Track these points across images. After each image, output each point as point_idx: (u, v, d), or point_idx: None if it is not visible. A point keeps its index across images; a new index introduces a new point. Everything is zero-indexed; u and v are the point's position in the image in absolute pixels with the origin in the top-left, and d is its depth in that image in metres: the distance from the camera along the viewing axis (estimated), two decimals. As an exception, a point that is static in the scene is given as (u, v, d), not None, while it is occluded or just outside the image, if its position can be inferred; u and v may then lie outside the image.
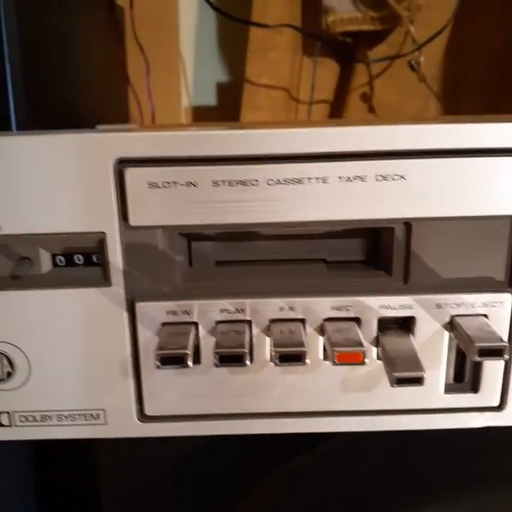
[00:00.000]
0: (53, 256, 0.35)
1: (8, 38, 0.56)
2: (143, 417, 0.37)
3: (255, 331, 0.35)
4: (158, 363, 0.32)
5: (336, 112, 0.94)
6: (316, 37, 0.87)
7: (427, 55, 0.87)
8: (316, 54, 0.90)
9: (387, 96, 0.94)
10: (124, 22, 0.90)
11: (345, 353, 0.32)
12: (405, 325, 0.35)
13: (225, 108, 1.04)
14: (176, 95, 1.00)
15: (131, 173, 0.32)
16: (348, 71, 0.94)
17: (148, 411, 0.37)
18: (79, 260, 0.35)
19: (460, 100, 0.92)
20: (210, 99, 1.02)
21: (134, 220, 0.33)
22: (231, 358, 0.32)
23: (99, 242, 0.34)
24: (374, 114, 0.94)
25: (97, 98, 0.80)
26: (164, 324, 0.35)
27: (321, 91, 0.93)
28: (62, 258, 0.35)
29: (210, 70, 1.00)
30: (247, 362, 0.32)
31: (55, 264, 0.35)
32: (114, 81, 0.89)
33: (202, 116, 1.00)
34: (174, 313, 0.35)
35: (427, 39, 0.84)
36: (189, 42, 0.98)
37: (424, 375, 0.32)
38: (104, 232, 0.34)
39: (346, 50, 0.91)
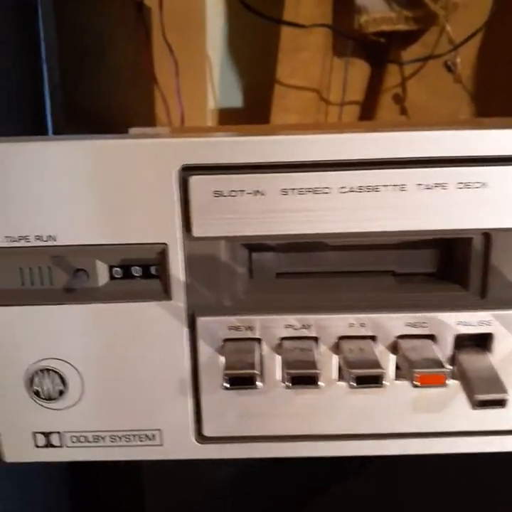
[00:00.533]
0: (110, 268, 0.33)
1: (45, 38, 0.54)
2: (201, 437, 0.35)
3: (322, 348, 0.33)
4: (226, 383, 0.30)
5: (367, 114, 0.92)
6: (349, 36, 0.85)
7: (462, 55, 0.85)
8: (348, 54, 0.88)
9: (420, 97, 0.92)
10: (151, 22, 0.88)
11: (427, 375, 0.29)
12: (482, 342, 0.33)
13: (252, 110, 1.03)
14: (203, 97, 0.98)
15: (196, 182, 0.30)
16: (380, 71, 0.92)
17: (207, 431, 0.35)
18: (137, 272, 0.33)
19: (492, 102, 0.90)
20: (236, 101, 1.00)
21: (197, 231, 0.31)
22: (303, 379, 0.30)
23: (160, 254, 0.32)
24: (406, 115, 0.92)
25: (127, 100, 0.78)
26: (226, 340, 0.33)
27: (352, 92, 0.91)
28: (119, 270, 0.33)
29: (237, 71, 0.98)
30: (321, 383, 0.30)
31: (112, 277, 0.33)
32: (142, 82, 0.87)
33: (228, 118, 0.98)
34: (237, 328, 0.33)
35: (464, 39, 0.82)
36: (216, 42, 0.96)
37: (508, 398, 0.30)
38: (165, 244, 0.32)
39: (379, 51, 0.89)
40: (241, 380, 0.30)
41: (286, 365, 0.31)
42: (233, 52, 0.98)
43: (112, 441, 0.35)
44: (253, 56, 0.97)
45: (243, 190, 0.30)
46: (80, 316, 0.33)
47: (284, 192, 0.30)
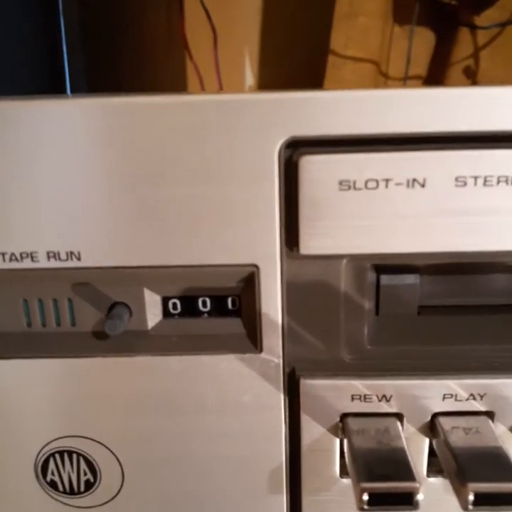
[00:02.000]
0: (165, 300, 0.21)
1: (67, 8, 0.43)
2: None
3: (500, 428, 0.21)
4: (364, 505, 0.18)
5: (432, 89, 0.79)
6: (415, -1, 0.72)
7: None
8: (412, 20, 0.75)
9: (494, 70, 0.78)
10: (184, -14, 0.76)
11: None
12: None
13: (298, 87, 0.90)
14: (241, 71, 0.85)
15: (310, 165, 0.18)
16: (449, 40, 0.78)
17: (308, 544, 0.23)
18: (206, 307, 0.21)
19: None
20: (278, 75, 0.87)
21: (307, 246, 0.19)
22: (500, 498, 0.18)
23: (245, 281, 0.20)
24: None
25: (156, 74, 0.67)
26: (348, 416, 0.21)
27: (415, 64, 0.78)
28: (178, 303, 0.21)
29: (280, 41, 0.85)
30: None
31: (166, 314, 0.21)
32: (174, 54, 0.75)
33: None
34: (365, 398, 0.21)
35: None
36: (256, 8, 0.83)
37: None
38: (254, 265, 0.20)
39: (447, 15, 0.76)
40: (388, 498, 0.18)
41: (458, 462, 0.19)
42: (277, 19, 0.85)
43: (164, 554, 0.24)
44: (301, 23, 0.83)
45: (389, 179, 0.18)
46: (119, 374, 0.21)
47: (461, 181, 0.18)
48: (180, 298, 0.21)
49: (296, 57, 0.85)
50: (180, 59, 0.78)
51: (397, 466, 0.19)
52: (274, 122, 0.18)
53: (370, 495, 0.18)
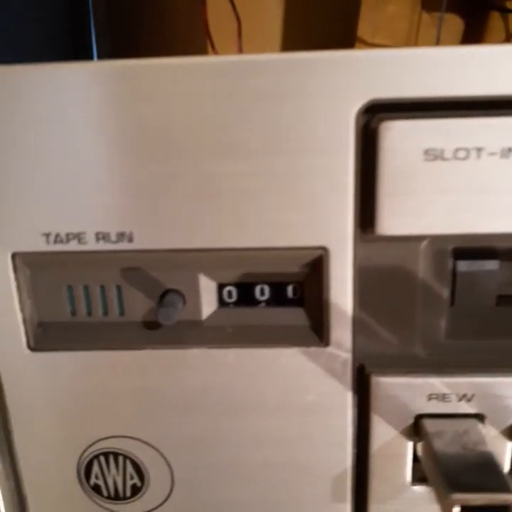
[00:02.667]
0: (220, 287, 0.19)
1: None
2: None
3: None
4: (454, 515, 0.16)
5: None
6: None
7: None
8: (443, 7, 0.72)
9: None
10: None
11: None
12: None
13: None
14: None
15: (391, 132, 0.16)
16: (478, 27, 0.76)
17: (374, 557, 0.21)
18: (264, 295, 0.19)
19: None
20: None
21: (386, 225, 0.17)
22: None
23: (311, 266, 0.18)
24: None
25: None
26: (424, 417, 0.19)
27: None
28: (234, 291, 0.19)
29: (307, 29, 0.83)
30: None
31: (222, 303, 0.19)
32: (195, 40, 0.73)
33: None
34: (443, 397, 0.19)
35: None
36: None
37: None
38: (323, 248, 0.18)
39: (477, 1, 0.73)
40: (480, 510, 0.16)
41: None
42: (302, 8, 0.83)
43: None
44: (327, 12, 0.81)
45: (482, 148, 0.16)
46: (169, 369, 0.19)
47: None
48: (236, 285, 0.19)
49: (323, 46, 0.82)
50: (202, 48, 0.76)
51: (488, 474, 0.17)
52: (350, 84, 0.16)
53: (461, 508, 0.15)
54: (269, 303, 0.20)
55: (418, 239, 0.18)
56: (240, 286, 0.19)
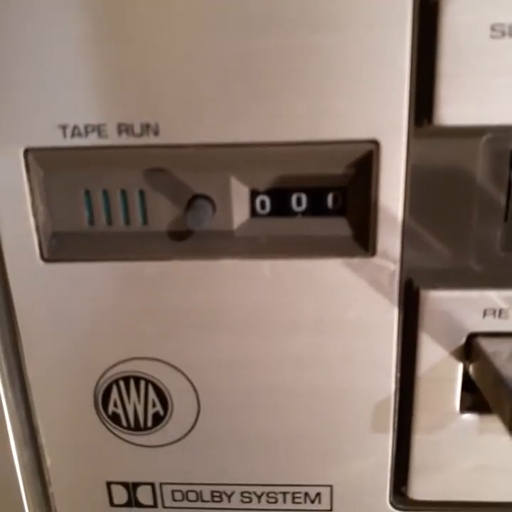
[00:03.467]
0: (253, 196, 0.17)
1: None
2: (401, 501, 0.20)
3: None
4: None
5: None
6: None
7: None
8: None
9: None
10: None
11: None
12: None
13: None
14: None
15: (453, 4, 0.14)
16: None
17: (415, 492, 0.19)
18: (300, 205, 0.17)
19: None
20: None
21: (445, 113, 0.15)
22: None
23: (357, 165, 0.16)
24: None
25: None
26: (478, 336, 0.17)
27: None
28: (267, 201, 0.17)
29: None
30: None
31: (254, 212, 0.18)
32: None
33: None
34: (500, 313, 0.17)
35: None
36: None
37: None
38: (374, 142, 0.16)
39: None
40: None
41: None
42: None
43: (243, 503, 0.20)
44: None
45: (560, 20, 0.14)
46: (198, 282, 0.18)
47: None
48: (270, 194, 0.17)
49: None
50: None
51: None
52: None
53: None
54: (312, 211, 0.18)
55: (478, 133, 0.16)
56: (274, 196, 0.17)
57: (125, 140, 0.16)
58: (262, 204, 0.18)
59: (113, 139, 0.16)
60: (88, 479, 0.21)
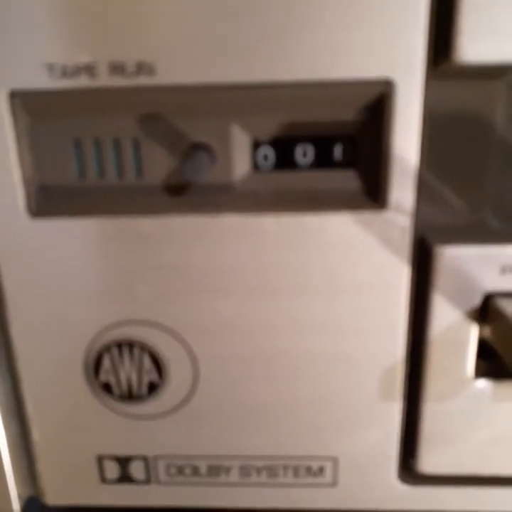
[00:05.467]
0: (256, 144, 0.16)
1: None
2: (409, 475, 0.19)
3: None
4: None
5: None
6: None
7: None
8: None
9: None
10: None
11: None
12: None
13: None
14: None
15: None
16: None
17: (424, 465, 0.18)
18: (308, 156, 0.16)
19: None
20: None
21: (465, 49, 0.14)
22: None
23: (369, 109, 0.15)
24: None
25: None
26: (497, 297, 0.16)
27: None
28: (270, 153, 0.16)
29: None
30: None
31: (256, 165, 0.16)
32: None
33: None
34: (519, 271, 0.16)
35: None
36: None
37: None
38: (388, 82, 0.15)
39: None
40: None
41: None
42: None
43: (242, 477, 0.19)
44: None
45: None
46: (196, 239, 0.16)
47: None
48: (273, 145, 0.16)
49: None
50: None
51: None
52: None
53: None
54: (318, 163, 0.16)
55: (499, 73, 0.15)
56: (278, 147, 0.16)
57: (118, 81, 0.15)
58: (265, 158, 0.16)
59: (104, 79, 0.15)
60: (78, 453, 0.19)
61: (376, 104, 0.15)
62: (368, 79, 0.15)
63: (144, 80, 0.15)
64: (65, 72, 0.15)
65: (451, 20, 0.14)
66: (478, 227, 0.16)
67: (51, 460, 0.20)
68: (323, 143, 0.16)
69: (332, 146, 0.16)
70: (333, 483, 0.19)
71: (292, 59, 0.15)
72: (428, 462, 0.18)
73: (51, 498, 0.20)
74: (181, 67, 0.15)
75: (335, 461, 0.19)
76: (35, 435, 0.19)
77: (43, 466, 0.20)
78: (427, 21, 0.14)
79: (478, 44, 0.14)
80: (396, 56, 0.14)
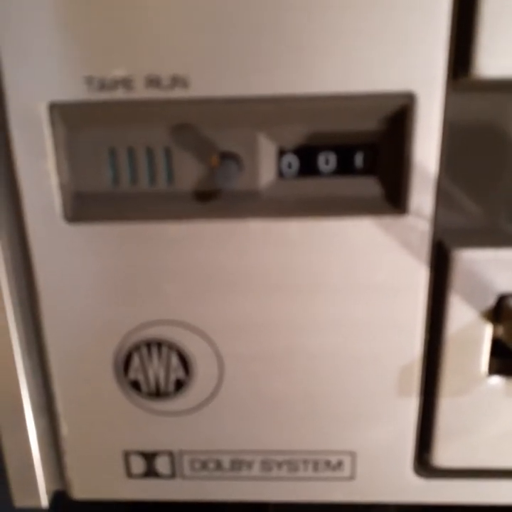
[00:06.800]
0: (280, 155, 0.17)
1: None
2: (424, 469, 0.20)
3: None
4: None
5: None
6: None
7: None
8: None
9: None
10: None
11: None
12: None
13: None
14: None
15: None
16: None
17: (439, 459, 0.19)
18: (330, 164, 0.17)
19: None
20: None
21: (484, 63, 0.15)
22: None
23: (390, 120, 0.16)
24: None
25: None
26: (508, 296, 0.17)
27: None
28: (294, 161, 0.17)
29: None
30: None
31: (281, 172, 0.17)
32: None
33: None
34: (531, 273, 0.17)
35: None
36: None
37: None
38: (410, 95, 0.15)
39: None
40: None
41: None
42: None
43: (264, 471, 0.20)
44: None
45: None
46: (223, 244, 0.17)
47: None
48: (297, 153, 0.17)
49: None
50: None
51: None
52: None
53: None
54: (341, 171, 0.17)
55: (516, 87, 0.16)
56: (301, 156, 0.17)
57: (153, 93, 0.16)
58: (290, 165, 0.17)
59: (140, 91, 0.16)
60: (105, 448, 0.20)
61: (398, 115, 0.16)
62: (390, 92, 0.15)
63: (178, 93, 0.16)
64: (103, 85, 0.16)
65: (471, 36, 0.15)
66: (493, 232, 0.17)
67: (78, 455, 0.21)
68: (344, 151, 0.17)
69: (353, 154, 0.17)
70: (351, 477, 0.20)
71: (317, 73, 0.15)
72: (443, 456, 0.19)
73: (78, 492, 0.21)
74: (213, 80, 0.16)
75: (353, 455, 0.20)
76: (64, 430, 0.20)
77: (70, 461, 0.21)
78: (448, 36, 0.15)
79: (497, 59, 0.15)
80: (418, 70, 0.15)
